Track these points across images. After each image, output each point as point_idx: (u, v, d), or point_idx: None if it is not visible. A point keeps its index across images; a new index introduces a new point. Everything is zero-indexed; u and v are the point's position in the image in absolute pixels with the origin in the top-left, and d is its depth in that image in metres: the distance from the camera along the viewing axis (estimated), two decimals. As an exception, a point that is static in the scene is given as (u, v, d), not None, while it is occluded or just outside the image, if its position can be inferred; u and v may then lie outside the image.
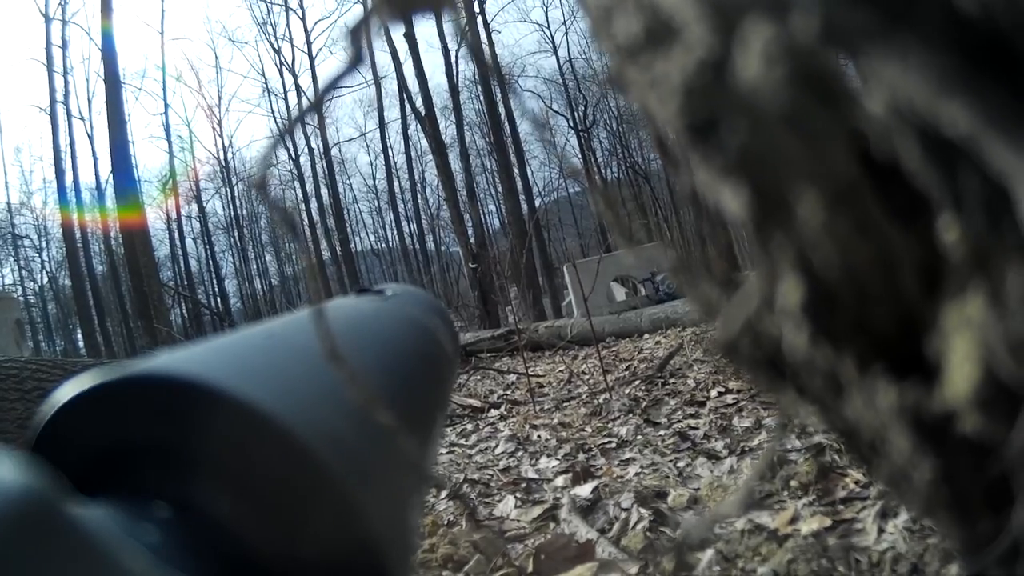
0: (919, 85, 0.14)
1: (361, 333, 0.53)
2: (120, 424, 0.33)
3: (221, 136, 35.33)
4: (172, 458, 0.33)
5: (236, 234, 35.74)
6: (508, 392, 4.99)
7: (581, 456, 2.78)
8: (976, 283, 0.17)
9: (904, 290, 0.19)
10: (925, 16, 0.16)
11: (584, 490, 2.32)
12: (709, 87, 0.18)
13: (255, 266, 36.76)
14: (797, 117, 0.16)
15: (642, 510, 2.06)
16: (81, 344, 26.62)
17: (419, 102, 16.94)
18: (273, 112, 34.23)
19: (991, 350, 0.17)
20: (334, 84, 0.35)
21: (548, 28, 32.44)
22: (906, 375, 0.20)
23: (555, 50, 32.00)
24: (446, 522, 2.15)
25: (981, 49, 0.15)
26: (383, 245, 37.11)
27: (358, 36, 0.29)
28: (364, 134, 34.77)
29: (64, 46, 27.76)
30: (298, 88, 31.71)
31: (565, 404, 4.05)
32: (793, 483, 1.80)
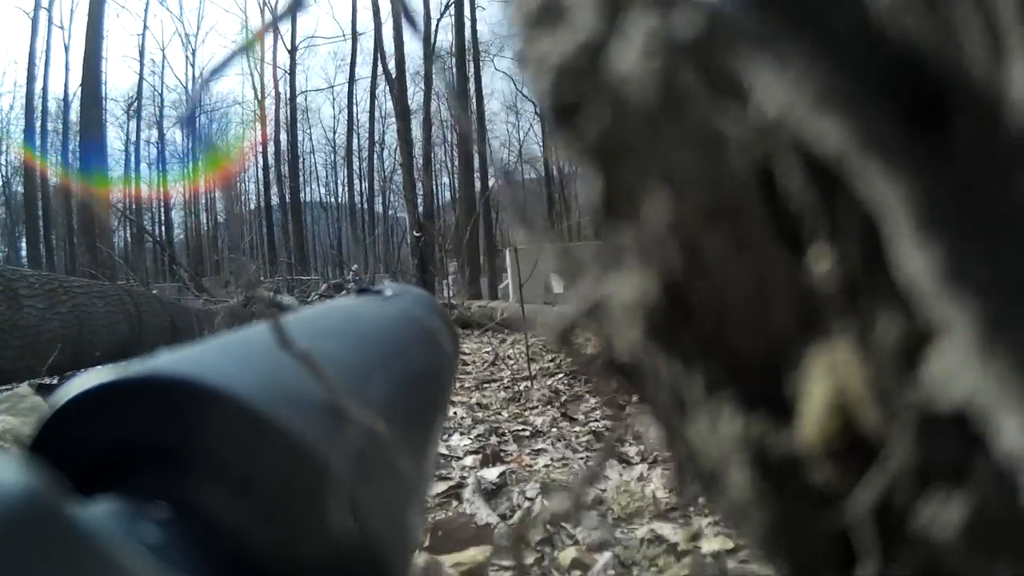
0: (796, 97, 0.14)
1: (362, 333, 0.54)
2: (120, 424, 0.33)
3: (193, 66, 35.06)
4: (172, 458, 0.33)
5: (191, 165, 35.48)
6: (431, 364, 5.01)
7: (494, 439, 2.79)
8: (844, 324, 0.17)
9: (775, 318, 0.18)
10: (817, 24, 0.15)
11: (491, 473, 2.32)
12: (582, 70, 0.17)
13: (204, 200, 36.44)
14: (663, 114, 0.16)
15: (546, 502, 2.07)
16: (24, 253, 26.30)
17: (392, 65, 16.90)
18: (247, 51, 34.07)
19: (851, 401, 0.17)
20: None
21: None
22: (757, 407, 0.19)
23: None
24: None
25: (871, 64, 0.15)
26: (332, 200, 36.98)
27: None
28: (332, 87, 34.60)
29: (53, -48, 27.63)
30: (276, 30, 31.50)
31: (486, 385, 4.07)
32: (702, 500, 1.81)
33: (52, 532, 0.21)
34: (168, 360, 0.35)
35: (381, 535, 0.35)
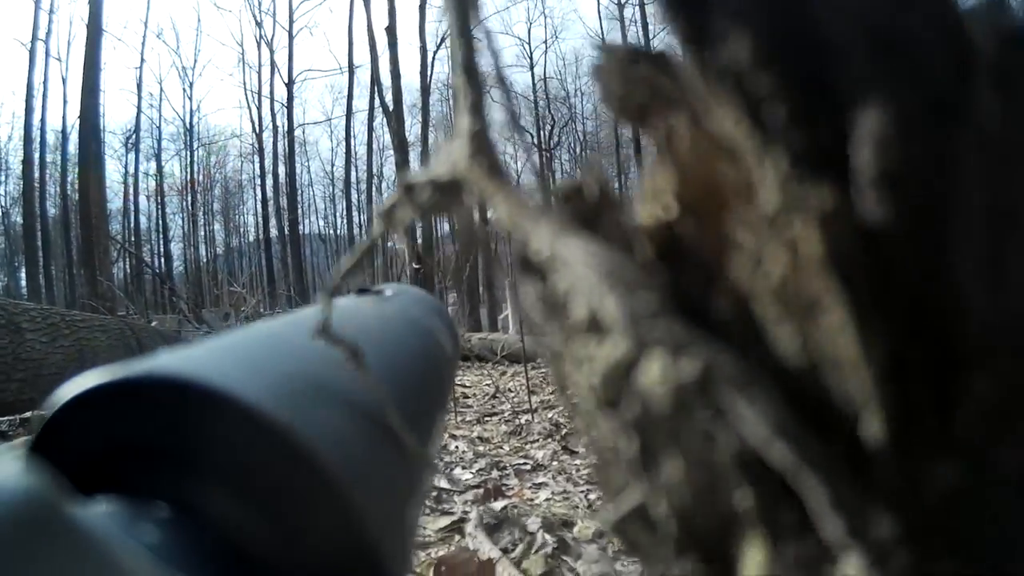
0: (761, 429, 0.22)
1: (361, 333, 0.50)
2: (120, 424, 0.33)
3: (191, 99, 34.79)
4: (172, 458, 0.33)
5: (189, 199, 35.16)
6: (432, 398, 4.96)
7: (495, 473, 2.78)
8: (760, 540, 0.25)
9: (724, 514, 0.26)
10: (766, 378, 0.23)
11: (494, 508, 2.34)
12: (620, 378, 0.24)
13: (203, 233, 36.18)
14: (673, 422, 0.24)
15: (547, 536, 2.08)
16: (23, 284, 25.98)
17: (389, 97, 16.78)
18: (245, 83, 33.81)
19: None
20: (365, 251, 0.39)
21: (528, 44, 32.30)
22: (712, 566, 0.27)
23: (532, 67, 31.75)
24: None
25: (801, 406, 0.23)
26: (331, 231, 36.67)
27: (388, 217, 0.34)
28: (330, 120, 34.40)
29: (52, -17, 27.33)
30: (273, 64, 31.35)
31: (487, 419, 4.04)
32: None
33: (52, 532, 0.21)
34: (168, 360, 0.34)
35: (381, 535, 0.35)
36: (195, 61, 36.41)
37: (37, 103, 27.28)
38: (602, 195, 0.28)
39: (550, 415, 3.84)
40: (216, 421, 0.32)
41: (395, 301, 0.68)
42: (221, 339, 0.41)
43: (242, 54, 34.43)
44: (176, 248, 36.12)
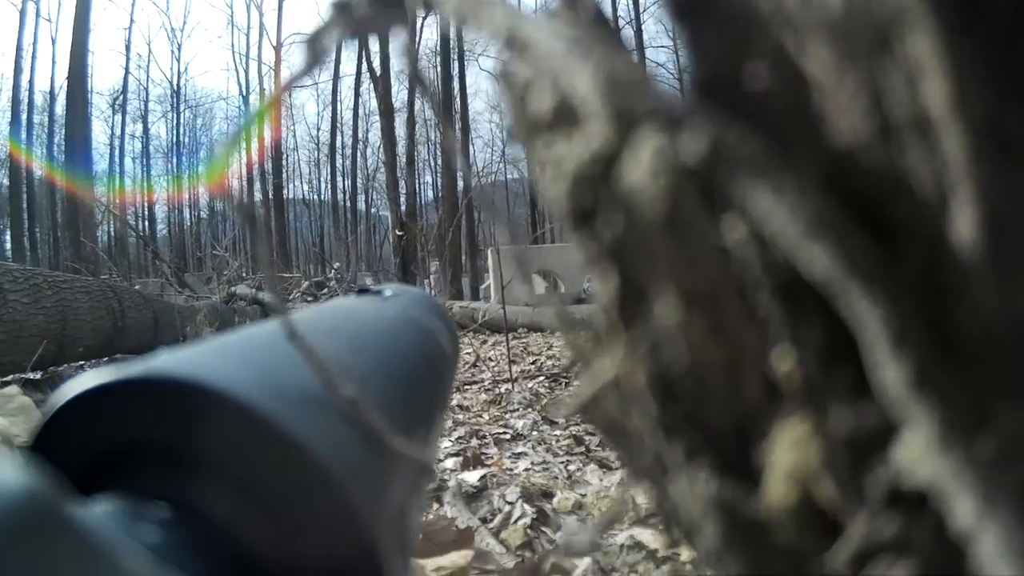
0: (787, 225, 0.15)
1: (361, 333, 0.53)
2: (120, 424, 0.33)
3: (179, 61, 34.85)
4: (172, 458, 0.33)
5: (175, 160, 35.26)
6: (411, 365, 4.99)
7: (474, 442, 2.78)
8: (803, 413, 0.18)
9: (746, 396, 0.20)
10: (804, 158, 0.17)
11: (472, 477, 2.32)
12: (596, 179, 0.18)
13: (187, 196, 36.23)
14: (669, 226, 0.17)
15: (526, 506, 2.07)
16: (8, 245, 26.10)
17: (377, 63, 16.83)
18: (233, 46, 33.86)
19: (810, 476, 0.19)
20: (290, 85, 0.36)
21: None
22: (730, 473, 0.21)
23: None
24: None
25: (850, 196, 0.16)
26: (315, 196, 36.74)
27: (315, 44, 0.30)
28: (316, 84, 34.40)
29: (42, -56, 27.48)
30: (261, 26, 31.35)
31: (466, 387, 4.06)
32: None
33: (52, 532, 0.21)
34: (168, 360, 0.34)
35: (381, 535, 0.34)
36: (184, 23, 36.80)
37: (26, 64, 27.52)
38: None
39: (530, 385, 3.84)
40: (215, 421, 0.32)
41: (395, 301, 0.67)
42: (220, 339, 0.41)
43: (231, 16, 34.69)
44: (160, 211, 36.49)
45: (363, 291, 0.70)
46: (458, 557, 1.74)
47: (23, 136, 26.43)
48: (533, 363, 4.71)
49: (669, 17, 0.20)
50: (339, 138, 32.31)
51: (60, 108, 26.16)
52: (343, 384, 0.37)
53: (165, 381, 0.32)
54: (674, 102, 0.17)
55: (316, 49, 0.30)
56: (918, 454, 0.16)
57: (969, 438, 0.16)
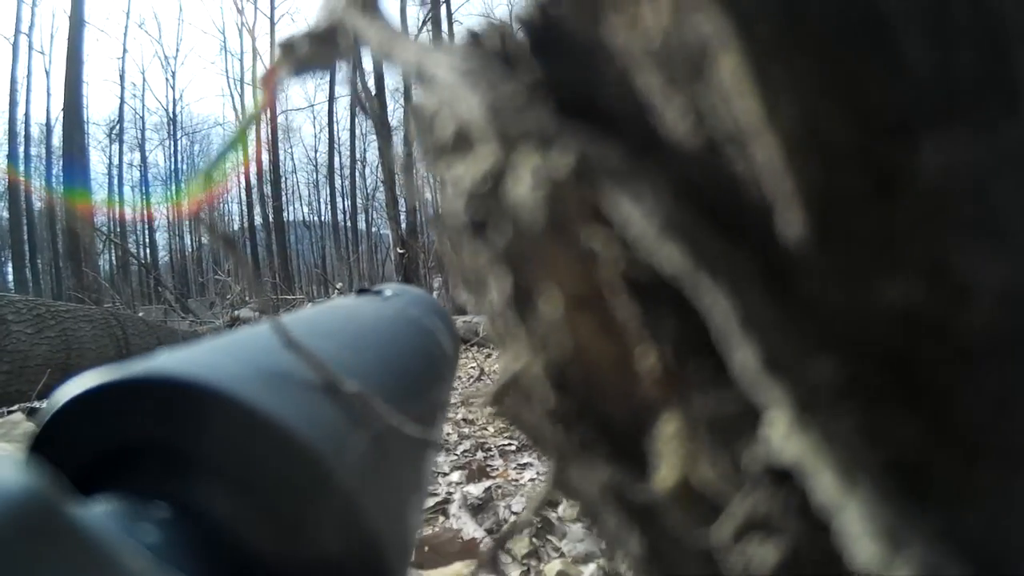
0: (644, 227, 0.17)
1: (361, 333, 0.53)
2: (120, 424, 0.33)
3: (173, 88, 34.78)
4: (172, 458, 0.33)
5: (174, 187, 35.12)
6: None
7: (480, 454, 2.77)
8: (672, 403, 0.20)
9: (636, 388, 0.21)
10: (656, 168, 0.18)
11: (477, 488, 2.32)
12: (487, 194, 0.20)
13: (187, 222, 36.08)
14: (547, 233, 0.19)
15: (532, 515, 2.08)
16: (10, 277, 26.01)
17: (372, 82, 16.82)
18: (227, 71, 33.82)
19: (687, 461, 0.20)
20: (249, 123, 0.38)
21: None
22: (623, 460, 0.23)
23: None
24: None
25: (698, 200, 0.18)
26: (315, 218, 36.60)
27: (267, 83, 0.32)
28: (312, 106, 34.32)
29: (34, -23, 27.45)
30: (255, 51, 31.30)
31: (471, 401, 4.05)
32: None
33: (52, 532, 0.21)
34: (168, 360, 0.35)
35: (381, 535, 0.35)
36: (177, 50, 36.80)
37: (21, 97, 27.47)
38: (502, 40, 0.24)
39: (536, 395, 3.84)
40: (216, 420, 0.32)
41: (395, 301, 0.67)
42: (220, 339, 0.41)
43: (224, 42, 34.62)
44: (161, 238, 36.38)
45: (363, 291, 0.70)
46: (462, 567, 1.75)
47: (21, 168, 26.37)
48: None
49: (523, 49, 0.22)
50: (337, 159, 32.22)
51: (57, 140, 26.16)
52: (344, 380, 0.38)
53: (165, 381, 0.32)
54: (547, 122, 0.19)
55: (271, 87, 0.32)
56: (781, 434, 0.17)
57: (825, 416, 0.17)
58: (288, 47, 0.30)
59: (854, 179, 0.17)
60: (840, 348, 0.18)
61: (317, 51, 0.29)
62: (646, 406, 0.21)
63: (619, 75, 0.20)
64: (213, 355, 0.37)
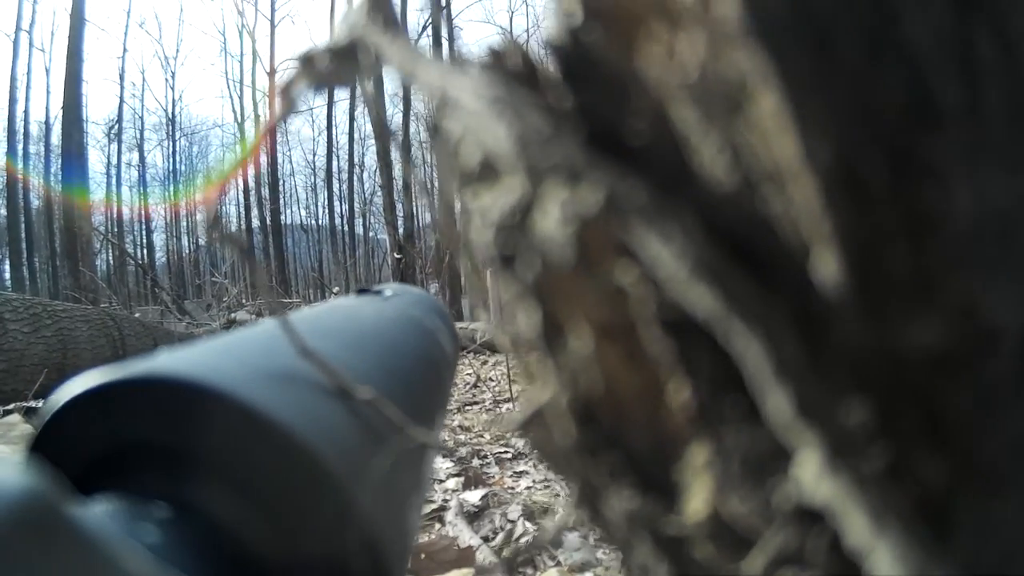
0: (674, 268, 0.17)
1: (361, 333, 0.53)
2: (120, 424, 0.33)
3: (173, 89, 34.71)
4: (172, 458, 0.33)
5: (172, 188, 35.02)
6: (412, 388, 4.95)
7: (476, 462, 2.78)
8: (703, 438, 0.20)
9: (663, 420, 0.21)
10: (686, 206, 0.18)
11: (473, 496, 2.32)
12: (515, 227, 0.20)
13: (185, 224, 36.00)
14: (576, 269, 0.19)
15: (528, 524, 2.08)
16: (7, 276, 25.97)
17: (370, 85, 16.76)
18: (227, 73, 33.79)
19: (717, 495, 0.20)
20: (267, 131, 0.37)
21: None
22: (652, 491, 0.22)
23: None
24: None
25: (731, 240, 0.18)
26: (313, 222, 36.52)
27: (287, 94, 0.32)
28: (311, 109, 34.26)
29: (35, -26, 27.45)
30: (255, 53, 31.26)
31: (467, 408, 4.04)
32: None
33: (52, 532, 0.21)
34: (167, 360, 0.35)
35: (381, 535, 0.35)
36: (177, 51, 36.77)
37: (21, 94, 27.43)
38: (524, 60, 0.24)
39: (531, 403, 3.82)
40: (215, 420, 0.32)
41: (395, 301, 0.68)
42: (219, 339, 0.41)
43: (224, 43, 34.57)
44: (158, 239, 36.28)
45: (363, 291, 0.70)
46: (459, 575, 1.75)
47: (19, 166, 26.32)
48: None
49: (555, 76, 0.22)
50: (335, 163, 32.16)
51: (56, 138, 26.11)
52: (356, 387, 0.38)
53: (165, 381, 0.32)
54: (576, 156, 0.19)
55: (288, 98, 0.32)
56: (812, 476, 0.17)
57: (855, 460, 0.17)
58: (308, 61, 0.30)
59: (889, 221, 0.17)
60: (870, 391, 0.18)
61: (337, 67, 0.29)
62: (674, 438, 0.21)
63: (653, 108, 0.20)
64: (213, 355, 0.37)
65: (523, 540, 1.99)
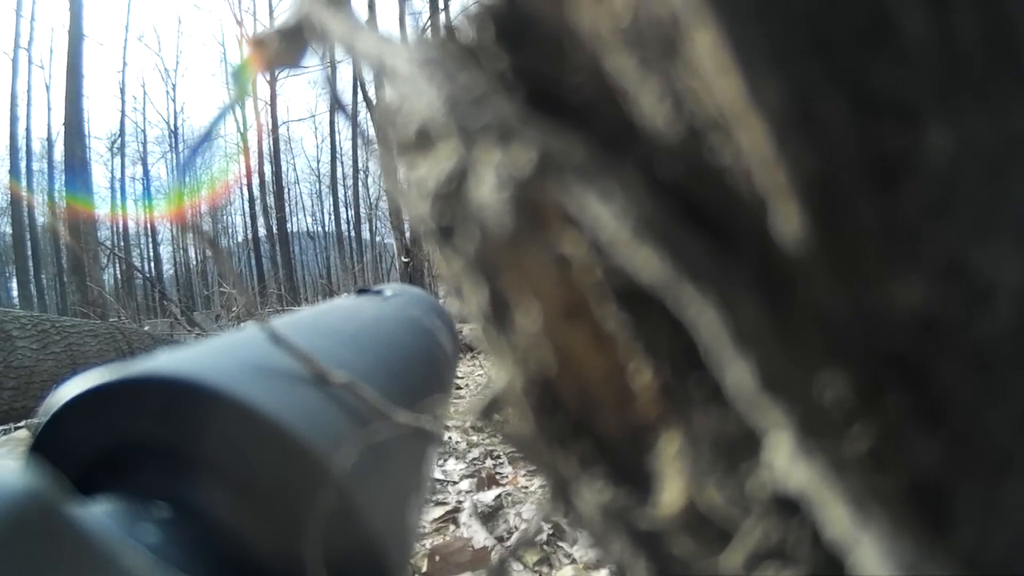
0: (616, 229, 0.15)
1: (361, 333, 0.53)
2: (120, 424, 0.33)
3: (174, 101, 34.85)
4: (172, 458, 0.33)
5: (176, 200, 35.18)
6: (425, 390, 4.96)
7: (489, 462, 2.77)
8: (672, 422, 0.19)
9: (632, 403, 0.20)
10: (629, 162, 0.17)
11: (487, 496, 2.32)
12: (452, 197, 0.19)
13: (191, 235, 36.11)
14: (519, 238, 0.18)
15: (543, 523, 2.07)
16: (15, 293, 26.14)
17: (372, 91, 16.83)
18: (228, 84, 34.03)
19: (693, 483, 0.19)
20: (222, 116, 0.37)
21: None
22: (624, 482, 0.21)
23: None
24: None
25: (680, 198, 0.17)
26: (319, 228, 36.62)
27: (239, 79, 0.31)
28: (314, 116, 34.37)
29: (34, -8, 27.64)
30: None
31: (459, 413, 4.05)
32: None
33: (52, 532, 0.21)
34: (167, 360, 0.35)
35: (381, 535, 0.35)
36: (177, 63, 36.93)
37: (22, 112, 27.54)
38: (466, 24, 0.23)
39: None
40: (215, 420, 0.33)
41: (395, 301, 0.68)
42: (219, 340, 0.42)
43: (224, 54, 34.71)
44: (165, 251, 36.41)
45: (364, 291, 0.71)
46: (474, 576, 1.74)
47: (23, 184, 26.46)
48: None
49: (489, 38, 0.20)
50: (340, 169, 32.24)
51: (59, 154, 26.23)
52: (331, 372, 0.38)
53: (165, 381, 0.33)
54: (509, 115, 0.17)
55: (241, 83, 0.31)
56: (783, 461, 0.16)
57: (832, 441, 0.16)
58: (259, 43, 0.30)
59: (854, 167, 0.15)
60: (848, 362, 0.16)
61: (286, 47, 0.28)
62: (645, 424, 0.19)
63: (589, 61, 0.18)
64: (212, 355, 0.37)
65: (538, 539, 1.97)
